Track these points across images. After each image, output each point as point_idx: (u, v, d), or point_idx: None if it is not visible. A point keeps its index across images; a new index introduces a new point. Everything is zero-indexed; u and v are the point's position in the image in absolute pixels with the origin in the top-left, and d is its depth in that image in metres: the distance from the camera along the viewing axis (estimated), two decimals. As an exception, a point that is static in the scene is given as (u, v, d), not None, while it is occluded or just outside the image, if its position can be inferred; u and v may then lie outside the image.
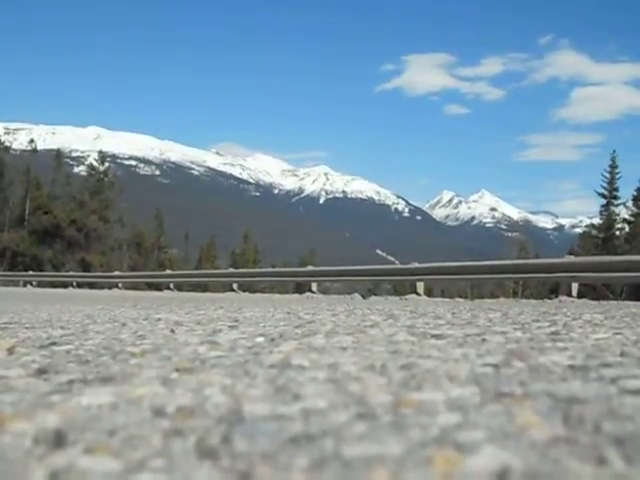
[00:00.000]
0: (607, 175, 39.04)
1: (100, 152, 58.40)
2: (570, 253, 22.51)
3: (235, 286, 20.12)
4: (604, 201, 38.78)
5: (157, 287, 24.56)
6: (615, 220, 38.35)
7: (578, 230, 55.91)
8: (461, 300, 11.57)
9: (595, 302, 9.64)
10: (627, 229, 38.07)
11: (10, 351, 2.01)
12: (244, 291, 19.96)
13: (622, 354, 1.75)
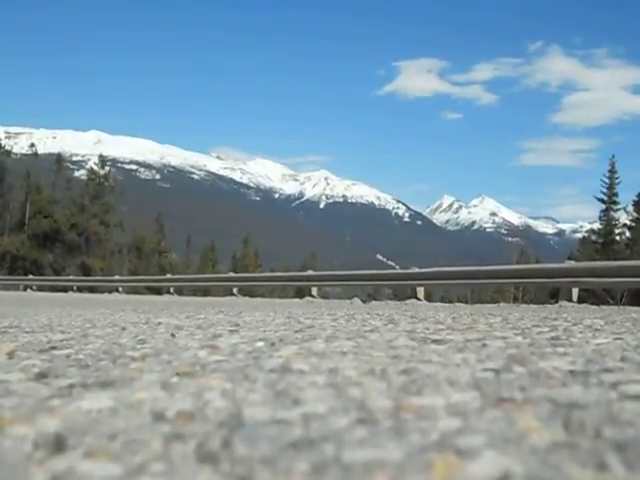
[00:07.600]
0: (606, 180, 39.14)
1: (100, 156, 58.55)
2: (570, 258, 22.47)
3: (235, 290, 20.13)
4: (604, 206, 38.87)
5: (157, 291, 24.59)
6: (615, 225, 38.39)
7: (578, 235, 55.86)
8: (461, 305, 11.56)
9: (595, 307, 9.64)
10: (627, 234, 38.10)
11: (10, 355, 2.01)
12: (244, 295, 19.97)
13: (623, 359, 1.75)
